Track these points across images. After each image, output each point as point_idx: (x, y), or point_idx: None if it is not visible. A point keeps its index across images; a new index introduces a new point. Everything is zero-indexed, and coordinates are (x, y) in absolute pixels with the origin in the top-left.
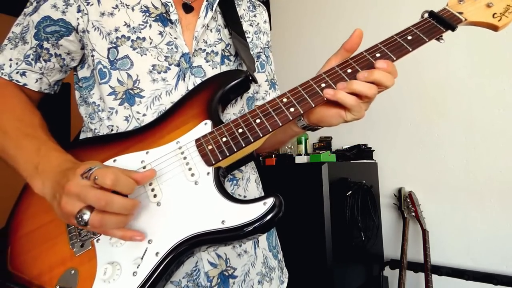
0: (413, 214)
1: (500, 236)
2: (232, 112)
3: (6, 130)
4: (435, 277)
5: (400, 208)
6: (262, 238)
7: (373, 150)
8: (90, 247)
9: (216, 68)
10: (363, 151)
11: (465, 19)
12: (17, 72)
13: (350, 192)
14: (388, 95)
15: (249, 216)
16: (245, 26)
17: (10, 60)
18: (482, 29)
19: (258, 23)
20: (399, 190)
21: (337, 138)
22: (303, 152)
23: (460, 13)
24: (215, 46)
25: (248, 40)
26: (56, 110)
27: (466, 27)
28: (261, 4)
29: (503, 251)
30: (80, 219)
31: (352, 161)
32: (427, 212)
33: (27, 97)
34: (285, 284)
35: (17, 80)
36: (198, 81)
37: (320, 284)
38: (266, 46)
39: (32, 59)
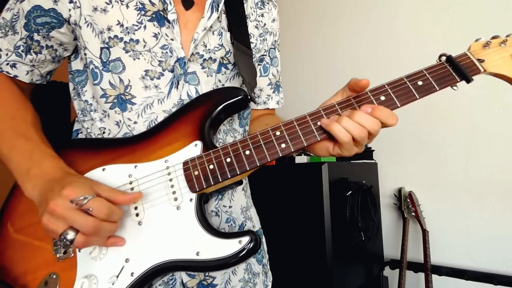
0: (413, 214)
1: (500, 236)
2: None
3: None
4: (435, 277)
5: (400, 208)
6: None
7: (373, 150)
8: (72, 255)
9: (211, 76)
10: (363, 151)
11: (484, 70)
12: (7, 64)
13: (350, 192)
14: None
15: (223, 252)
16: (250, 28)
17: (0, 50)
18: (483, 31)
19: (265, 24)
20: (399, 190)
21: None
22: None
23: (481, 60)
24: (214, 53)
25: (252, 45)
26: (55, 109)
27: None
28: (272, 0)
29: (503, 251)
30: (64, 239)
31: (352, 161)
32: (427, 212)
33: (19, 89)
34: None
35: (7, 72)
36: (192, 89)
37: (320, 284)
38: (272, 47)
39: (22, 51)
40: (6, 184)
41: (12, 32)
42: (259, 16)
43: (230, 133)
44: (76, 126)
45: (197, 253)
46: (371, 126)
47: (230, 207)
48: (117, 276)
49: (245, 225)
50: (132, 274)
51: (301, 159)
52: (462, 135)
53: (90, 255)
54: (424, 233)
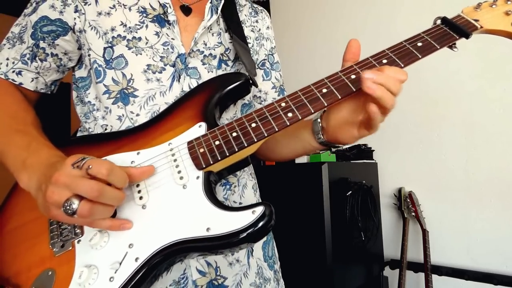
0: (413, 214)
1: (500, 236)
2: (225, 118)
3: None
4: (435, 277)
5: (400, 208)
6: (257, 247)
7: (373, 150)
8: (70, 248)
9: (212, 72)
10: (363, 151)
11: (481, 27)
12: (13, 71)
13: (350, 192)
14: None
15: (236, 224)
16: (247, 32)
17: (7, 59)
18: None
19: (260, 29)
20: (399, 190)
21: None
22: None
23: (476, 20)
24: (214, 50)
25: (249, 46)
26: (56, 110)
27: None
28: (264, 9)
29: (503, 251)
30: (68, 207)
31: (352, 161)
32: (427, 212)
33: (23, 96)
34: None
35: (13, 79)
36: (194, 82)
37: (320, 284)
38: (271, 53)
39: (28, 58)
40: (6, 185)
41: (20, 42)
42: (253, 22)
43: None
44: (79, 134)
45: (208, 229)
46: (396, 81)
47: (240, 203)
48: (120, 263)
49: None
50: (136, 259)
51: (301, 159)
52: (462, 135)
53: (90, 242)
54: (424, 233)
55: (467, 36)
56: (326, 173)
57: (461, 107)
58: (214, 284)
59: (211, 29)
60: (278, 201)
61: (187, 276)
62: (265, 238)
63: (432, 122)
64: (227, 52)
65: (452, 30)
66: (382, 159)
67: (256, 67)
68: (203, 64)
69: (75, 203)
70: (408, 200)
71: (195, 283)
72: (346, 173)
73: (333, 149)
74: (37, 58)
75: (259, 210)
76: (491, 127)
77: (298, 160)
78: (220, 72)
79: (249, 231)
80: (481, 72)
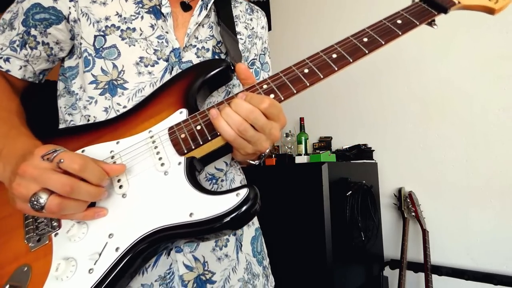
0: (413, 214)
1: (500, 236)
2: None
3: None
4: (435, 277)
5: (400, 208)
6: (246, 243)
7: (373, 150)
8: (47, 242)
9: None
10: (363, 151)
11: (459, 2)
12: (1, 58)
13: (350, 192)
14: (388, 95)
15: (220, 208)
16: (240, 27)
17: None
18: (483, 30)
19: (253, 28)
20: (399, 190)
21: (337, 138)
22: (303, 152)
23: None
24: (206, 42)
25: (241, 42)
26: (47, 108)
27: (464, 14)
28: (260, 9)
29: (503, 251)
30: (35, 202)
31: (352, 161)
32: (427, 212)
33: (9, 84)
34: None
35: (0, 66)
36: None
37: (320, 284)
38: (262, 53)
39: (17, 46)
40: None
41: (10, 28)
42: (248, 20)
43: None
44: (61, 126)
45: (191, 214)
46: (247, 115)
47: None
48: (100, 254)
49: None
50: (117, 249)
51: (301, 159)
52: (462, 135)
53: (68, 234)
54: (424, 233)
55: (445, 11)
56: (326, 173)
57: (461, 107)
58: (202, 279)
59: (202, 24)
60: (278, 201)
61: (173, 271)
62: (253, 233)
63: (432, 122)
64: (219, 45)
65: (430, 6)
66: (382, 159)
67: (247, 65)
68: (197, 57)
69: (43, 198)
70: (408, 200)
71: (181, 278)
72: (346, 173)
73: (333, 150)
74: (27, 46)
75: (243, 192)
76: (491, 127)
77: (298, 160)
78: None
79: (232, 215)
80: (481, 72)
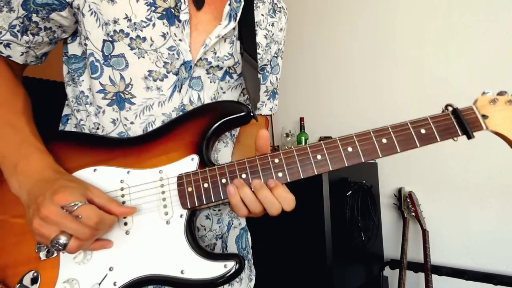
0: (413, 214)
1: (500, 236)
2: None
3: None
4: (435, 277)
5: (400, 208)
6: (231, 243)
7: None
8: (55, 255)
9: (214, 82)
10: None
11: (487, 127)
12: (1, 43)
13: (350, 192)
14: (388, 95)
15: (208, 273)
16: (259, 37)
17: None
18: (483, 30)
19: (273, 34)
20: (399, 190)
21: None
22: None
23: (485, 117)
24: (223, 62)
25: (258, 56)
26: (52, 106)
27: None
28: (283, 8)
29: (503, 251)
30: (57, 244)
31: None
32: (427, 212)
33: (11, 70)
34: (253, 282)
35: (0, 51)
36: (195, 94)
37: (320, 284)
38: (275, 55)
39: (18, 31)
40: None
41: (8, 8)
42: (269, 25)
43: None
44: (67, 111)
45: (182, 271)
46: (265, 202)
47: (219, 210)
48: (100, 284)
49: (232, 223)
50: (115, 283)
51: None
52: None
53: (74, 260)
54: (424, 233)
55: (469, 137)
56: (326, 173)
57: (461, 107)
58: None
59: (225, 38)
60: None
61: None
62: (238, 233)
63: None
64: (235, 66)
65: (458, 124)
66: (382, 159)
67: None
68: (208, 73)
69: (62, 239)
70: (408, 200)
71: None
72: (346, 173)
73: None
74: (28, 32)
75: (230, 265)
76: None
77: None
78: (222, 84)
79: (219, 281)
80: (480, 72)
